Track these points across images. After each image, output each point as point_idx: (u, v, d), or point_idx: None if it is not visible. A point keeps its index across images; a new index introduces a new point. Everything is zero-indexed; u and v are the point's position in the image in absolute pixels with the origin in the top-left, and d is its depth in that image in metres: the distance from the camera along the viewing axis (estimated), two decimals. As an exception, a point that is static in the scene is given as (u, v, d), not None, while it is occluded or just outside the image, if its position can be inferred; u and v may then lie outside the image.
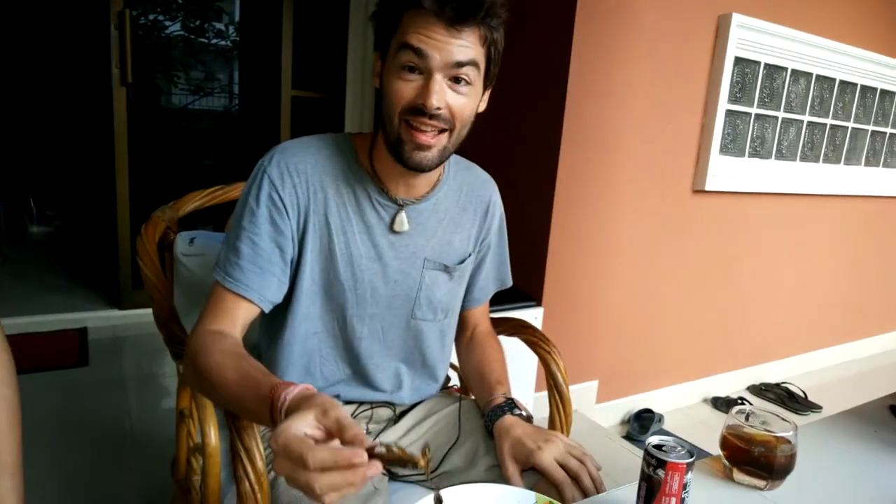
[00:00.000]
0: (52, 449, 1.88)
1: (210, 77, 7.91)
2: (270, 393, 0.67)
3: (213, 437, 0.93)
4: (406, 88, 0.83)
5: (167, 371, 2.45)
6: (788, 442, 0.79)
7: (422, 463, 0.59)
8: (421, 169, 0.89)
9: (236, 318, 0.88)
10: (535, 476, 0.89)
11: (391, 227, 0.97)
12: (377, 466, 0.56)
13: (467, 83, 0.84)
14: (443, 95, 0.82)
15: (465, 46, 0.81)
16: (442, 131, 0.86)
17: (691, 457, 0.69)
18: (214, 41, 7.77)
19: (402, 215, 0.97)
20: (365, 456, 0.55)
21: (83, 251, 3.90)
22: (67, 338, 2.68)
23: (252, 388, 0.72)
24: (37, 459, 1.82)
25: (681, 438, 0.74)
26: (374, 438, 1.02)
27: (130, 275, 2.89)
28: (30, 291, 3.16)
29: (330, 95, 3.22)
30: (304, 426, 0.58)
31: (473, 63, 0.83)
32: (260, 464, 0.81)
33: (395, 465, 0.59)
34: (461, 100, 0.85)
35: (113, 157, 2.80)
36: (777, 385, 2.94)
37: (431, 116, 0.83)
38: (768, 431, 0.80)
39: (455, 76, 0.83)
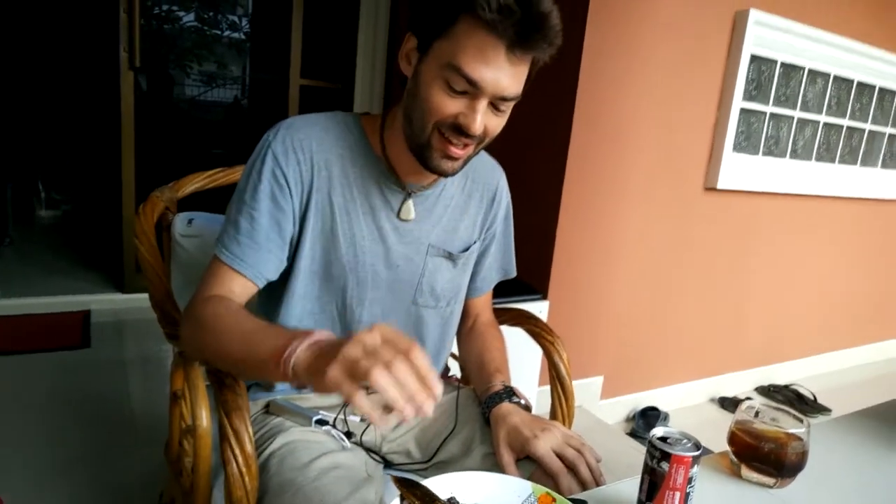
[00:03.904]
0: (52, 427, 1.88)
1: (222, 67, 7.92)
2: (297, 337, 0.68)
3: (205, 418, 0.91)
4: (450, 105, 0.80)
5: (167, 354, 2.44)
6: (800, 439, 0.76)
7: None
8: (445, 175, 0.88)
9: (232, 292, 0.86)
10: (531, 465, 0.86)
11: (398, 214, 0.94)
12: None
13: (507, 108, 0.83)
14: (485, 119, 0.81)
15: (518, 77, 0.79)
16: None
17: (698, 449, 0.66)
18: (227, 33, 7.79)
19: (410, 203, 0.94)
20: (436, 395, 0.59)
21: (89, 235, 3.90)
22: (71, 319, 2.67)
23: (271, 335, 0.73)
24: (36, 437, 1.82)
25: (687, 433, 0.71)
26: (370, 424, 0.99)
27: (134, 259, 2.88)
28: (35, 273, 3.16)
29: (339, 85, 3.19)
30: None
31: (518, 97, 0.82)
32: (248, 447, 0.79)
33: None
34: (498, 120, 0.84)
35: (119, 141, 2.79)
36: (786, 387, 2.90)
37: (469, 136, 0.81)
38: (779, 428, 0.77)
39: (499, 105, 0.81)
